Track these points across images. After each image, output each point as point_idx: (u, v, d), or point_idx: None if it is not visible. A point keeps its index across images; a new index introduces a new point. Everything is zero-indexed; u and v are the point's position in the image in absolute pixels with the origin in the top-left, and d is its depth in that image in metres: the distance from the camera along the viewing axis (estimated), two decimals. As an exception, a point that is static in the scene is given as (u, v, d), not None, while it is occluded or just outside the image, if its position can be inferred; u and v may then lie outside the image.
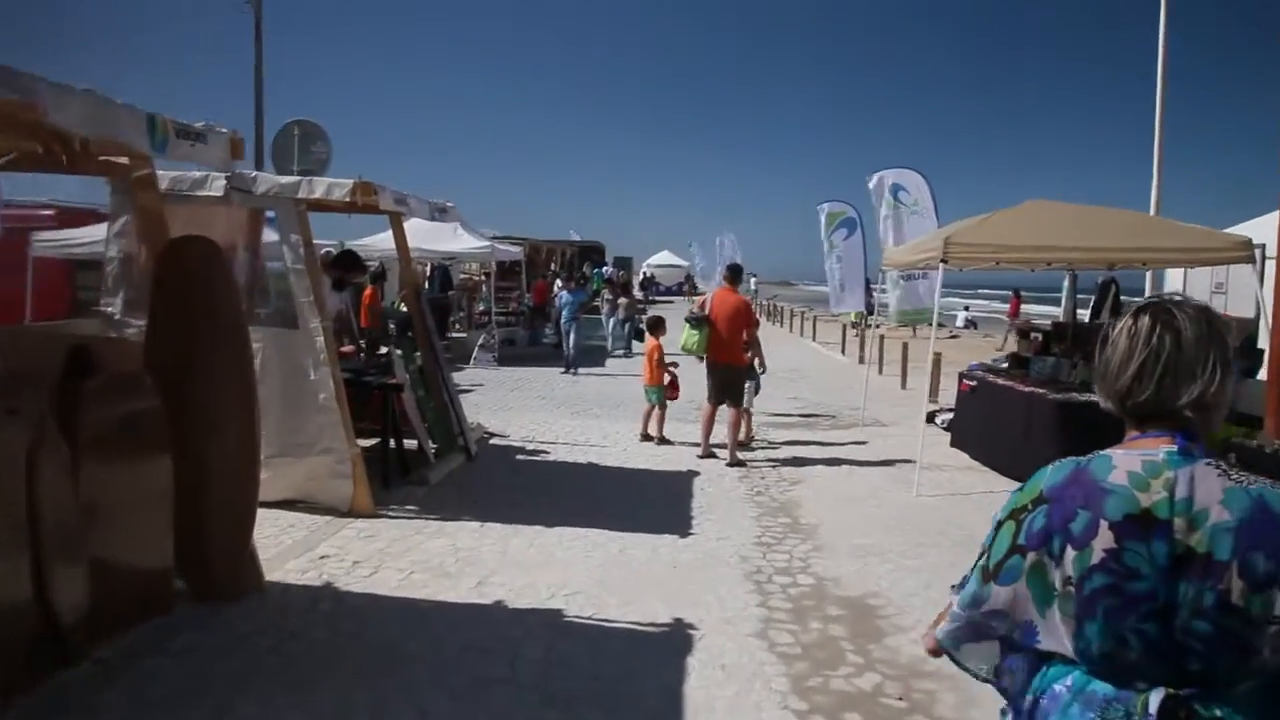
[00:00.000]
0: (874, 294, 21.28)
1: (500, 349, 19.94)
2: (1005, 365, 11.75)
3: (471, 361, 19.42)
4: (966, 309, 37.46)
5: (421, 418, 8.71)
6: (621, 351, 22.37)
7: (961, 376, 10.91)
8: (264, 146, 21.65)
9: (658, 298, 51.93)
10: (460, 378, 17.31)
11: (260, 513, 7.06)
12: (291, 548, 6.43)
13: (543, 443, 10.73)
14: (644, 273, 55.06)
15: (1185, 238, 8.92)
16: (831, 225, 20.26)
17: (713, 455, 10.02)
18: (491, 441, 10.73)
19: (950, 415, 12.21)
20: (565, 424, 12.22)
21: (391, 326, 12.99)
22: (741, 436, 10.72)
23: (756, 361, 10.74)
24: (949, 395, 15.08)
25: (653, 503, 8.13)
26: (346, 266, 8.98)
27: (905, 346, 16.87)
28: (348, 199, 6.93)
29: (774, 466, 9.77)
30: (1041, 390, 9.07)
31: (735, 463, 9.67)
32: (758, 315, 10.12)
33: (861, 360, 20.60)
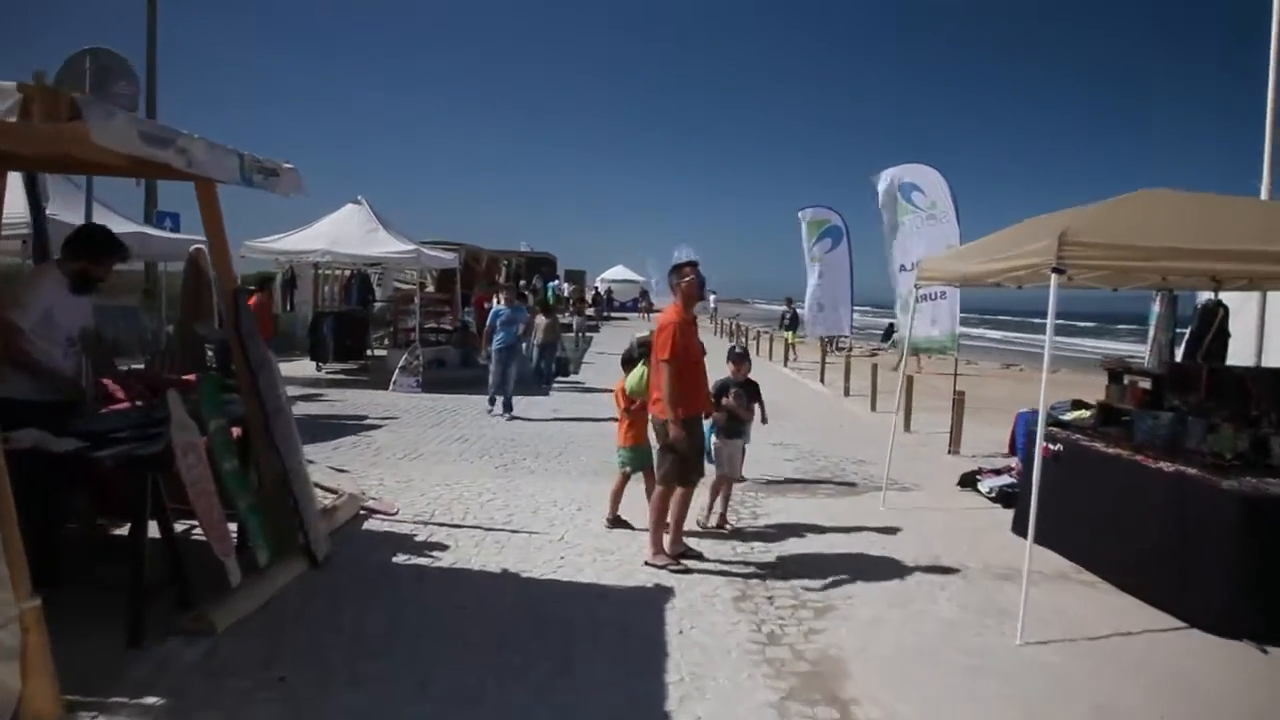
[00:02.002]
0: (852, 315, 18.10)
1: (427, 371, 16.40)
2: (1080, 416, 8.49)
3: (391, 386, 15.86)
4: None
5: (227, 505, 5.15)
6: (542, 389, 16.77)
7: (1033, 434, 7.56)
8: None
9: (613, 314, 48.63)
10: (374, 407, 13.76)
11: None
12: None
13: (444, 524, 7.21)
14: (597, 287, 51.59)
15: None
16: (814, 235, 17.00)
17: (687, 558, 6.59)
18: (368, 524, 7.17)
19: (1003, 482, 8.91)
20: (486, 485, 8.73)
21: (210, 354, 9.34)
22: (708, 520, 7.42)
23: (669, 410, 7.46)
24: (975, 443, 11.88)
25: (599, 667, 4.64)
26: (92, 252, 5.25)
27: (910, 381, 13.58)
28: (12, 119, 3.39)
29: (782, 576, 6.33)
30: (1197, 472, 5.76)
31: (666, 563, 6.35)
32: (696, 338, 6.36)
33: (847, 391, 17.35)
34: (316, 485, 7.15)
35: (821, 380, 19.20)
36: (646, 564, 6.33)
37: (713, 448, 7.27)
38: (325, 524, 6.27)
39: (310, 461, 9.17)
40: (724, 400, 7.45)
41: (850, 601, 5.80)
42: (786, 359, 24.27)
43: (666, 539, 6.46)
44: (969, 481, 9.40)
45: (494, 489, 8.60)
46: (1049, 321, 5.66)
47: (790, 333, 24.21)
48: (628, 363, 7.55)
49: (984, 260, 6.81)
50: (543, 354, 17.76)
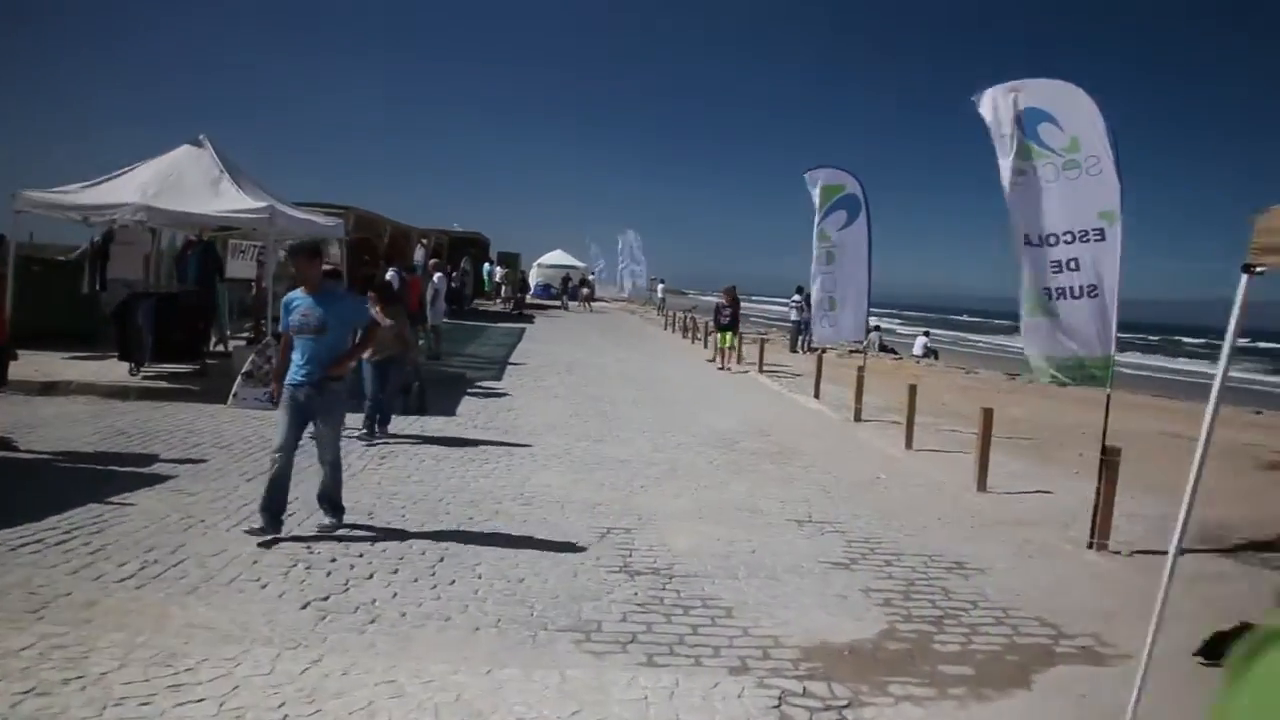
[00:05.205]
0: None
1: (289, 378, 11.25)
2: None
3: (230, 400, 10.68)
4: (927, 334, 29.86)
5: None
6: (365, 435, 9.52)
7: None
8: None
9: (546, 300, 42.53)
10: (183, 437, 8.63)
11: None
12: None
13: None
14: (533, 276, 45.53)
15: None
16: (825, 204, 12.21)
17: None
18: None
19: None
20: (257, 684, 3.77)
21: None
22: None
23: None
24: (1130, 527, 7.18)
25: None
26: None
27: (988, 417, 8.83)
28: None
29: None
30: None
31: None
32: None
33: (858, 415, 12.55)
34: None
35: (816, 395, 14.41)
36: None
37: None
38: None
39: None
40: None
41: None
42: (725, 363, 19.35)
43: None
44: (1211, 653, 4.66)
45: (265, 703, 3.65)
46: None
47: (729, 333, 19.01)
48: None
49: None
50: (381, 377, 9.46)
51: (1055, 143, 6.98)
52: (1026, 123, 7.09)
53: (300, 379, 5.89)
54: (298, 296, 6.00)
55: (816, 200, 12.15)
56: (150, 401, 10.77)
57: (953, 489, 8.73)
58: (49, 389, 10.96)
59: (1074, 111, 6.93)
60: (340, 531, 6.09)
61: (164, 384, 11.53)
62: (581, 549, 6.04)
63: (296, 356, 5.95)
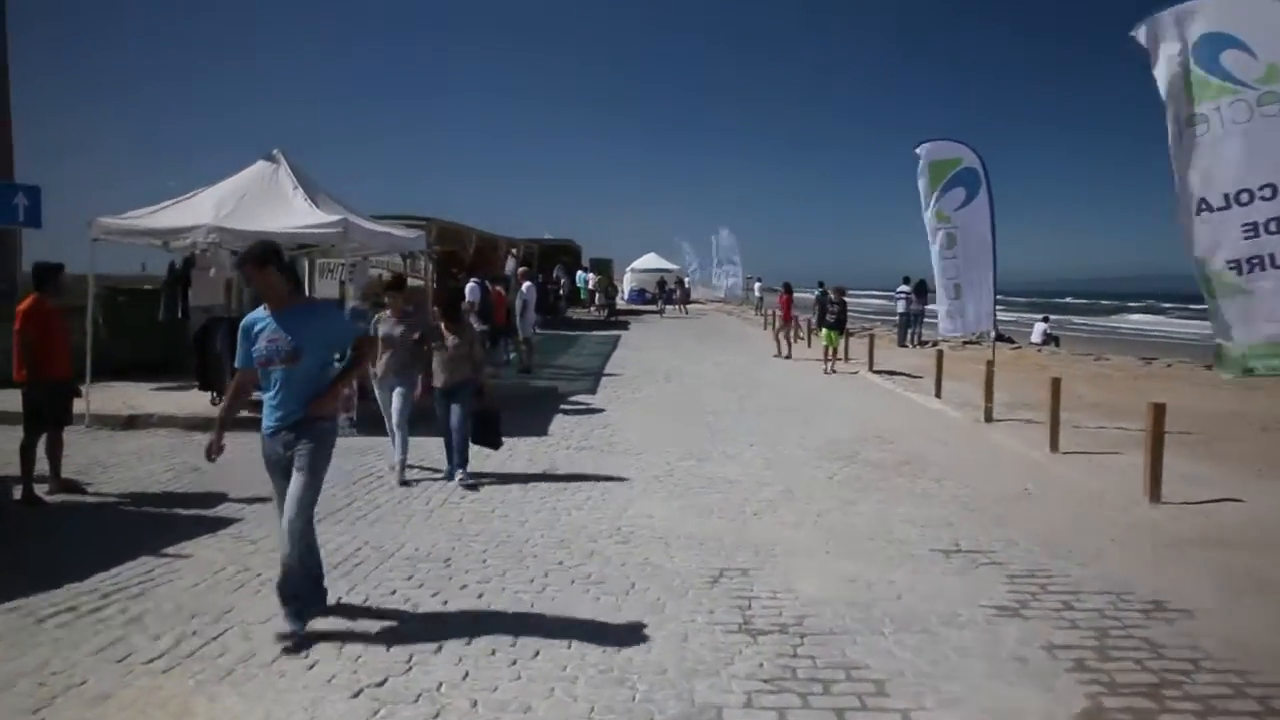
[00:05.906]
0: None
1: (369, 402, 10.59)
2: None
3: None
4: (1046, 320, 27.96)
5: None
6: (447, 474, 8.12)
7: None
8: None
9: (641, 306, 41.97)
10: (260, 472, 7.80)
11: None
12: None
13: None
14: (626, 281, 44.80)
15: None
16: (938, 182, 10.93)
17: None
18: None
19: None
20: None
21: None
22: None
23: None
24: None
25: None
26: None
27: (1157, 413, 7.48)
28: None
29: None
30: None
31: None
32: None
33: (989, 415, 11.21)
34: None
35: (937, 394, 13.07)
36: None
37: None
38: None
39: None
40: None
41: None
42: (829, 363, 17.84)
43: None
44: None
45: None
46: None
47: (834, 332, 17.50)
48: None
49: None
50: (448, 400, 7.99)
51: (1247, 74, 5.66)
52: (1205, 52, 5.78)
53: (274, 423, 4.54)
54: (260, 317, 4.54)
55: (925, 181, 10.87)
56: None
57: (1119, 500, 7.41)
58: (131, 422, 10.53)
59: (1270, 30, 5.60)
60: (412, 586, 5.24)
61: (244, 413, 10.90)
62: (691, 600, 5.03)
63: (268, 396, 4.56)
